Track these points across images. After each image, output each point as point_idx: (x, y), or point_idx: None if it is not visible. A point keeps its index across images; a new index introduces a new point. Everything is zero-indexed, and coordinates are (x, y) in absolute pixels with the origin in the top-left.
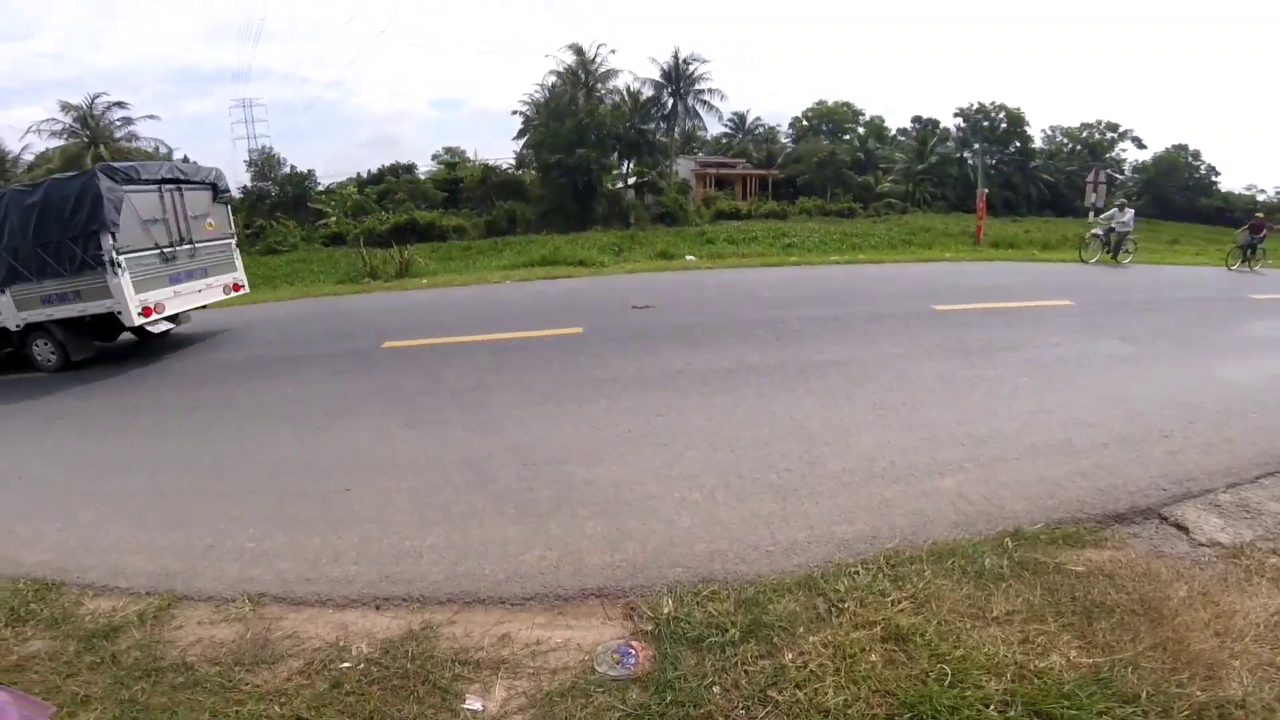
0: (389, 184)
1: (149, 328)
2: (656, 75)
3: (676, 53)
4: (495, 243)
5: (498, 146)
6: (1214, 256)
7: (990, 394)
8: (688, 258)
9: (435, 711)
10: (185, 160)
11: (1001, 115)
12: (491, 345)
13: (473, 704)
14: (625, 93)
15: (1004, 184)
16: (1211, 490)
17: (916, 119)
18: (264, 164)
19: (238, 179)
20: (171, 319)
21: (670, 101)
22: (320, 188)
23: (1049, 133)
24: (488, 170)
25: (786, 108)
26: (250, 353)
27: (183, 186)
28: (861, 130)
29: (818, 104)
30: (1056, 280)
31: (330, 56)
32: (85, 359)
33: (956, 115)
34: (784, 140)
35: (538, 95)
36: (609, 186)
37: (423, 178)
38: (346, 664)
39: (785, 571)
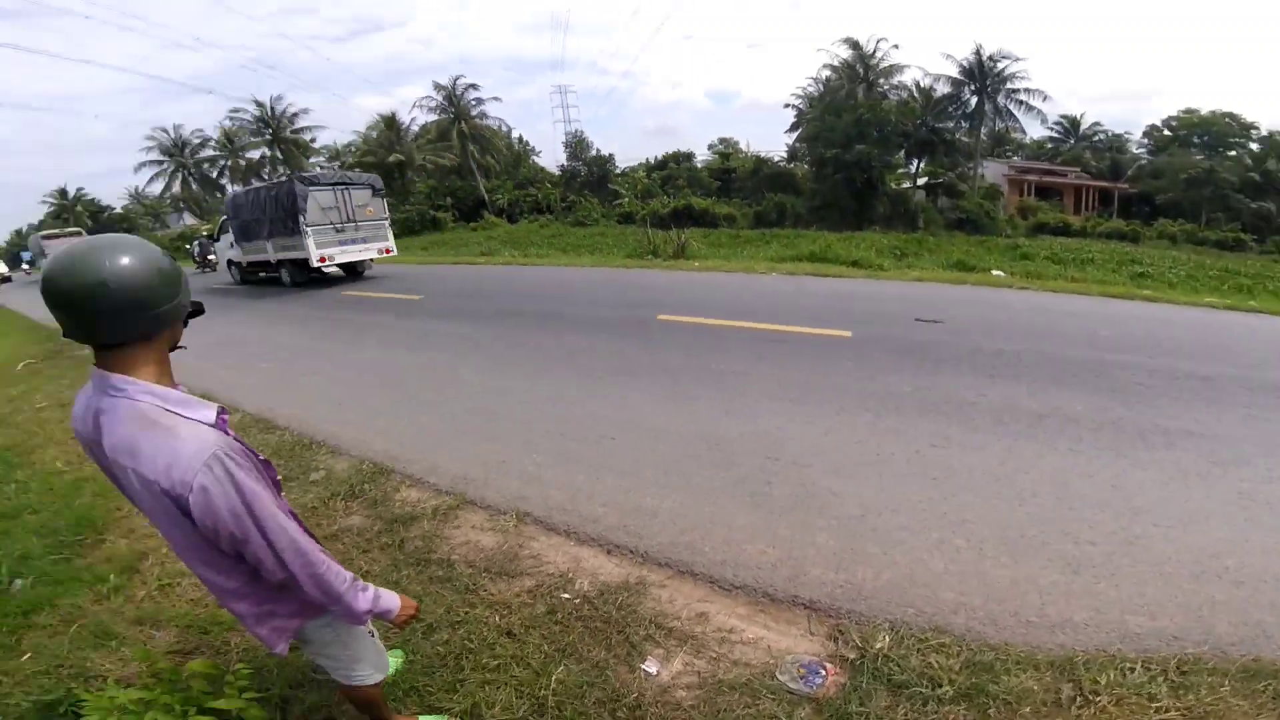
0: (671, 170)
1: (324, 269)
2: (953, 72)
3: (979, 49)
4: (763, 234)
5: (769, 139)
6: None
7: None
8: (994, 272)
9: (617, 661)
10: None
11: None
12: (754, 334)
13: (650, 666)
14: (914, 89)
15: None
16: None
17: None
18: (576, 146)
19: (556, 158)
20: (344, 267)
21: (974, 100)
22: (617, 170)
23: None
24: (759, 162)
25: (1137, 115)
26: (563, 308)
27: (350, 187)
28: (1255, 147)
29: (1186, 112)
30: None
31: (622, 49)
32: (301, 282)
33: None
34: (1135, 151)
35: (810, 89)
36: (892, 186)
37: (699, 166)
38: (566, 595)
39: (1040, 647)
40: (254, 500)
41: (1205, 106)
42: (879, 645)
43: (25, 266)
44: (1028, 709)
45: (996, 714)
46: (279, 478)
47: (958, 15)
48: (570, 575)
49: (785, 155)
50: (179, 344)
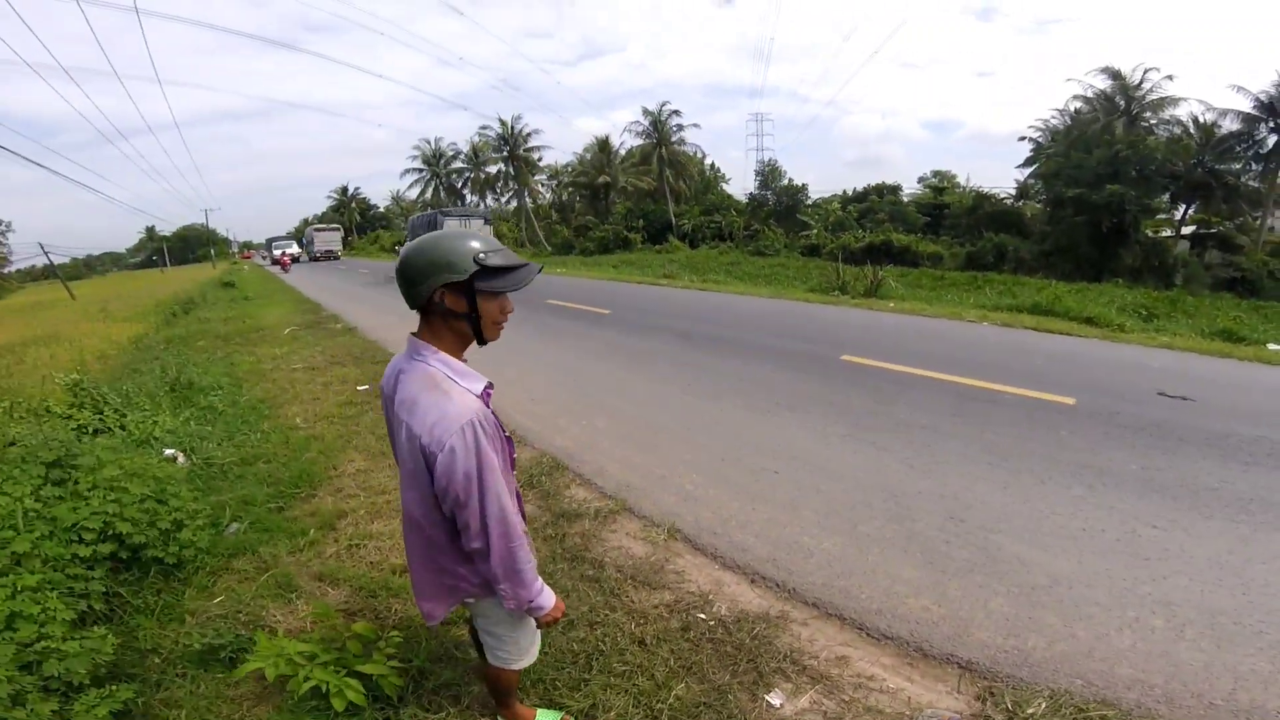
0: (871, 203)
1: None
2: (1246, 105)
3: None
4: (974, 277)
5: (993, 173)
6: None
7: None
8: (1271, 346)
9: (741, 689)
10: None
11: None
12: (955, 388)
13: (774, 699)
14: (1191, 124)
15: None
16: None
17: None
18: (767, 175)
19: (745, 186)
20: None
21: (1273, 139)
22: (809, 201)
23: None
24: (980, 198)
25: None
26: (731, 333)
27: (469, 218)
28: None
29: None
30: None
31: (828, 76)
32: None
33: None
34: None
35: (1054, 121)
36: (1148, 233)
37: (905, 200)
38: (702, 615)
39: None
40: (487, 470)
41: None
42: (1031, 710)
43: (297, 251)
44: None
45: None
46: (515, 455)
47: (1253, 42)
48: (710, 597)
49: (1013, 192)
50: (490, 337)
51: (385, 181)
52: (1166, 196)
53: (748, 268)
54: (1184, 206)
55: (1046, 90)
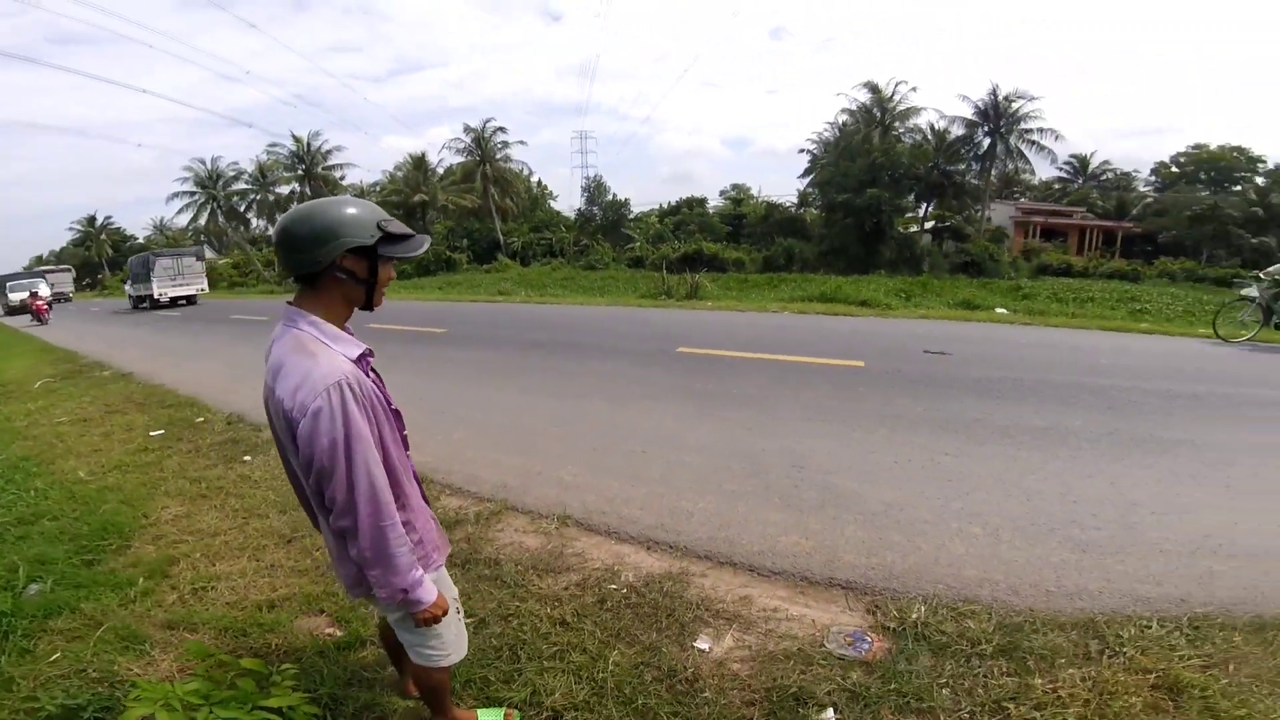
0: (684, 215)
1: (162, 300)
2: (968, 113)
3: (995, 89)
4: (771, 277)
5: (782, 184)
6: None
7: None
8: (998, 310)
9: (669, 642)
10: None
11: None
12: (773, 364)
13: (702, 644)
14: (929, 131)
15: None
16: None
17: None
18: (594, 191)
19: (571, 202)
20: (175, 299)
21: (987, 141)
22: (631, 215)
23: None
24: (770, 208)
25: (1147, 152)
26: (578, 338)
27: (182, 256)
28: (1261, 181)
29: (1195, 148)
30: None
31: (644, 95)
32: (150, 307)
33: None
34: (1143, 189)
35: (827, 134)
36: (900, 229)
37: (711, 212)
38: (614, 586)
39: (1063, 612)
40: (355, 438)
41: (1216, 141)
42: (915, 615)
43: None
44: (1063, 660)
45: (1035, 665)
46: (406, 433)
47: (977, 55)
48: (615, 569)
49: (796, 201)
50: (377, 304)
51: (149, 208)
52: (912, 196)
53: (581, 281)
54: (925, 204)
55: (821, 105)
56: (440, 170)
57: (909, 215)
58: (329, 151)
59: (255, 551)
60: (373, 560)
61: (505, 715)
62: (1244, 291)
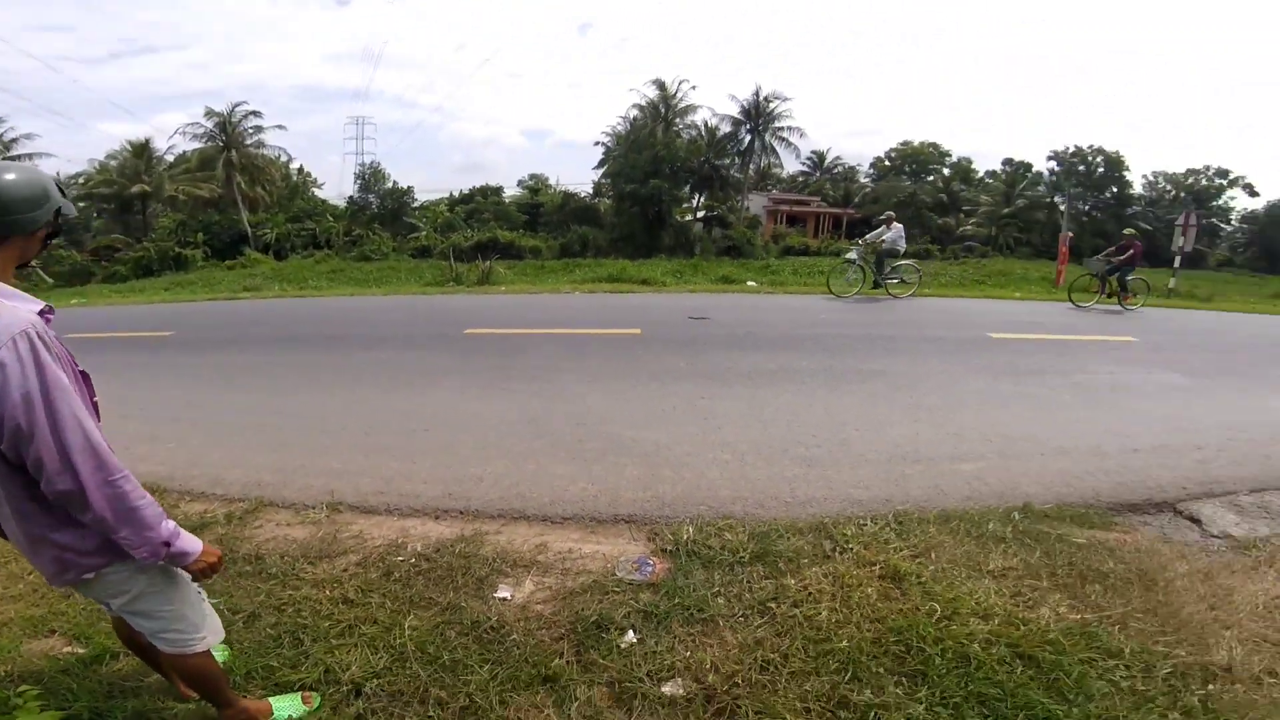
0: (477, 204)
1: None
2: (735, 112)
3: (758, 90)
4: (567, 263)
5: (579, 175)
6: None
7: (1029, 407)
8: (749, 283)
9: (469, 597)
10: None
11: (1099, 159)
12: (560, 337)
13: (503, 593)
14: (703, 128)
15: (1096, 231)
16: (1234, 493)
17: (1008, 161)
18: (370, 178)
19: (343, 190)
20: None
21: (748, 138)
22: (415, 204)
23: (1151, 179)
24: (567, 197)
25: (868, 148)
26: (348, 330)
27: None
28: (947, 171)
29: (902, 144)
30: (1119, 319)
31: (437, 83)
32: None
33: (1050, 158)
34: (863, 180)
35: (619, 127)
36: (678, 218)
37: (508, 201)
38: (400, 558)
39: (799, 519)
40: (55, 389)
41: (918, 138)
42: (685, 536)
43: None
44: (805, 560)
45: (785, 566)
46: (97, 399)
47: (748, 58)
48: (400, 542)
49: (591, 191)
50: (29, 263)
51: None
52: (688, 188)
53: (354, 273)
54: (698, 195)
55: (617, 100)
56: (169, 158)
57: (685, 205)
58: (12, 141)
59: None
60: (116, 520)
61: (304, 699)
62: (848, 256)
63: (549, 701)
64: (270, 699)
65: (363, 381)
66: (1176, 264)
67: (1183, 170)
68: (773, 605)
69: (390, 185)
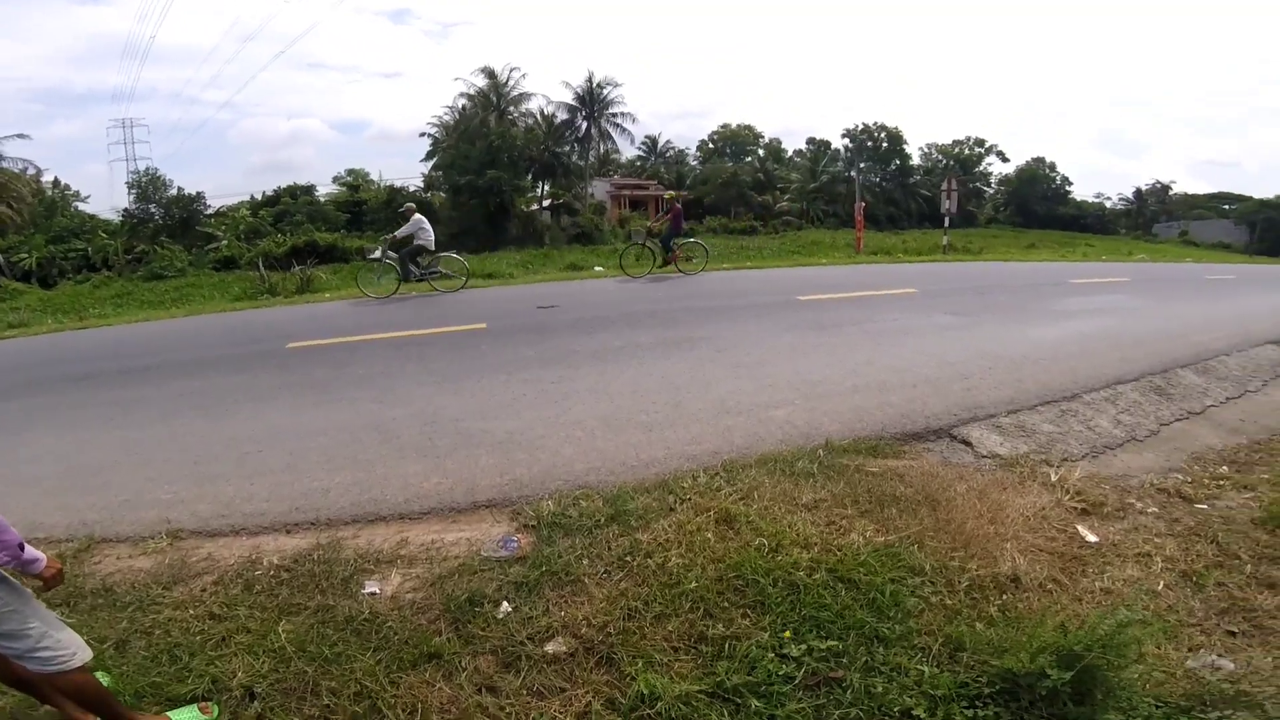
0: (285, 205)
1: None
2: (570, 99)
3: (590, 76)
4: None
5: (404, 168)
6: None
7: (829, 355)
8: (595, 268)
9: (338, 598)
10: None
11: (883, 135)
12: (396, 341)
13: (371, 588)
14: (539, 116)
15: (887, 199)
16: (995, 415)
17: (810, 140)
18: (147, 186)
19: (115, 202)
20: None
21: (584, 125)
22: (210, 211)
23: (925, 150)
24: (393, 192)
25: (694, 131)
26: (152, 360)
27: None
28: (761, 152)
29: (722, 127)
30: (905, 274)
31: (223, 78)
32: None
33: (844, 136)
34: (692, 163)
35: (447, 118)
36: (523, 208)
37: (323, 199)
38: (258, 572)
39: (645, 479)
40: None
41: (735, 121)
42: (546, 510)
43: None
44: (652, 515)
45: (637, 523)
46: None
47: (577, 43)
48: (254, 559)
49: (422, 185)
50: None
51: None
52: (529, 177)
53: (144, 295)
54: (541, 184)
55: (442, 89)
56: None
57: (530, 195)
58: None
59: None
60: None
61: (201, 709)
62: (372, 255)
63: (438, 675)
64: (168, 713)
65: (180, 412)
66: (946, 223)
67: (950, 141)
68: (630, 559)
69: (175, 192)
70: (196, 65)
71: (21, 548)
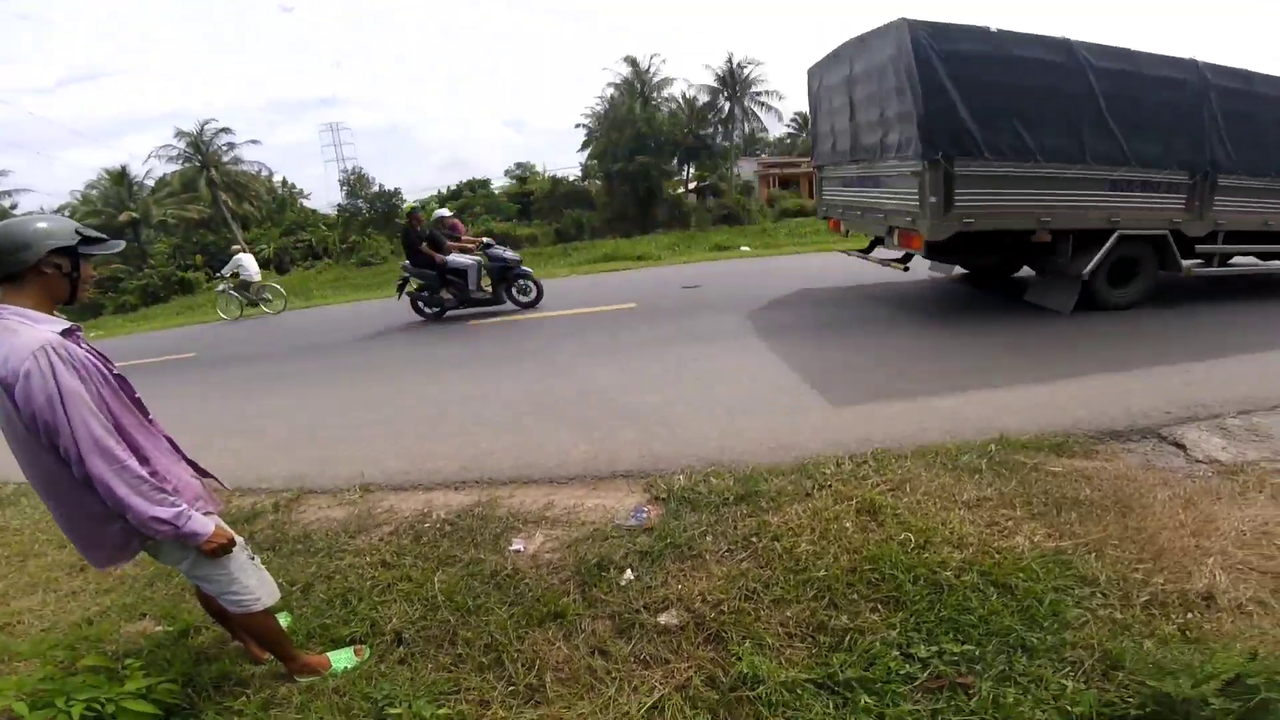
0: (467, 199)
1: None
2: (712, 81)
3: (730, 58)
4: (563, 247)
5: (566, 159)
6: None
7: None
8: (743, 248)
9: (489, 552)
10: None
11: None
12: (557, 320)
13: (516, 545)
14: (681, 100)
15: None
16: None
17: None
18: (355, 184)
19: (330, 199)
20: None
21: (727, 106)
22: (405, 204)
23: None
24: (556, 182)
25: None
26: (353, 334)
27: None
28: None
29: None
30: None
31: (399, 85)
32: None
33: None
34: None
35: (598, 108)
36: (670, 192)
37: (497, 192)
38: (427, 525)
39: (783, 463)
40: (69, 395)
41: None
42: (678, 485)
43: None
44: (785, 498)
45: (767, 504)
46: (138, 395)
47: (715, 27)
48: (426, 511)
49: (580, 174)
50: (83, 296)
51: None
52: (675, 161)
53: (355, 280)
54: (686, 167)
55: (590, 81)
56: (150, 183)
57: (676, 178)
58: None
59: (48, 584)
60: (122, 502)
61: (355, 651)
62: (218, 289)
63: (559, 635)
64: (328, 654)
65: (368, 379)
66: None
67: None
68: (755, 540)
69: (376, 189)
70: (384, 70)
71: (172, 525)
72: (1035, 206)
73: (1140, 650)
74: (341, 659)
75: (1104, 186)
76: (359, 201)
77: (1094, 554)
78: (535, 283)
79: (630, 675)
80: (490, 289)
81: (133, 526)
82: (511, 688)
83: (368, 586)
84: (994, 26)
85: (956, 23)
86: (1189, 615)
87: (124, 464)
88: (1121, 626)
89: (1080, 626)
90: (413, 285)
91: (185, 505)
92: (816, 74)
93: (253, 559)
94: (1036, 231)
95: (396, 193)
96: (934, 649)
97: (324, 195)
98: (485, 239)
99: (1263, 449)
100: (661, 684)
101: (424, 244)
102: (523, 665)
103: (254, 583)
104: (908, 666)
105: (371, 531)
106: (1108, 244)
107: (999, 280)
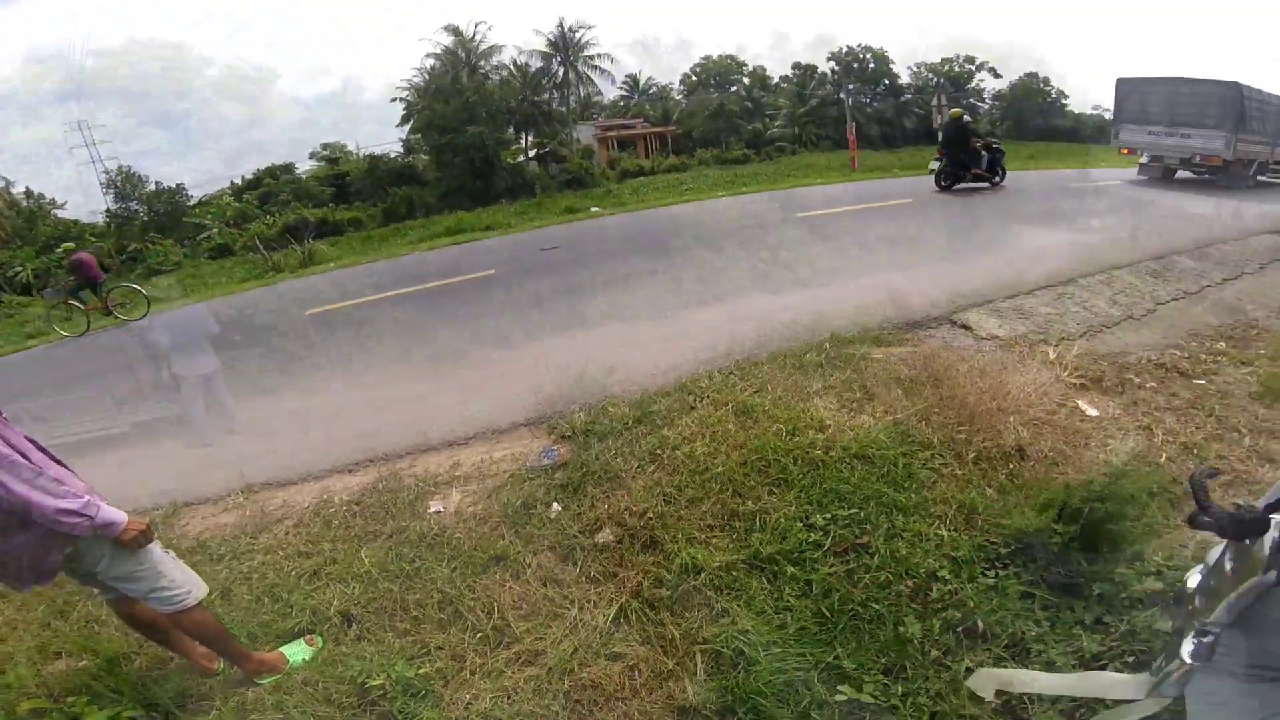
0: (269, 187)
1: None
2: (543, 46)
3: (562, 21)
4: (396, 228)
5: (383, 135)
6: None
7: (834, 256)
8: (593, 209)
9: (408, 519)
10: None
11: (869, 56)
12: (413, 296)
13: (435, 507)
14: (512, 67)
15: (879, 119)
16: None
17: (796, 65)
18: (124, 184)
19: (93, 205)
20: None
21: (561, 71)
22: (193, 202)
23: (915, 69)
24: (374, 160)
25: (678, 64)
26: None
27: None
28: (747, 80)
29: (704, 59)
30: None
31: (176, 63)
32: None
33: (830, 59)
34: (677, 97)
35: (416, 80)
36: (509, 161)
37: (304, 176)
38: (332, 510)
39: (667, 384)
40: None
41: (716, 52)
42: (579, 421)
43: None
44: (675, 415)
45: (661, 422)
46: (4, 415)
47: None
48: (327, 499)
49: (402, 150)
50: None
51: None
52: (511, 129)
53: (150, 292)
54: (524, 134)
55: (407, 53)
56: None
57: (514, 147)
58: None
59: None
60: (23, 499)
61: (307, 641)
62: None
63: (507, 576)
64: (281, 649)
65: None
66: (940, 139)
67: (939, 60)
68: (660, 453)
69: (154, 187)
70: (136, 54)
71: (84, 515)
72: None
73: (986, 498)
74: (296, 652)
75: None
76: (133, 204)
77: (924, 422)
78: None
79: (586, 595)
80: None
81: (43, 535)
82: (479, 634)
83: (293, 578)
84: None
85: None
86: (1011, 466)
87: (14, 461)
88: (964, 481)
89: (933, 485)
90: None
91: (89, 496)
92: None
93: (168, 553)
94: None
95: (180, 189)
96: (828, 516)
97: (83, 204)
98: None
99: (1029, 324)
100: (617, 594)
101: None
102: (482, 612)
103: (180, 576)
104: (813, 535)
105: (273, 528)
106: None
107: None
